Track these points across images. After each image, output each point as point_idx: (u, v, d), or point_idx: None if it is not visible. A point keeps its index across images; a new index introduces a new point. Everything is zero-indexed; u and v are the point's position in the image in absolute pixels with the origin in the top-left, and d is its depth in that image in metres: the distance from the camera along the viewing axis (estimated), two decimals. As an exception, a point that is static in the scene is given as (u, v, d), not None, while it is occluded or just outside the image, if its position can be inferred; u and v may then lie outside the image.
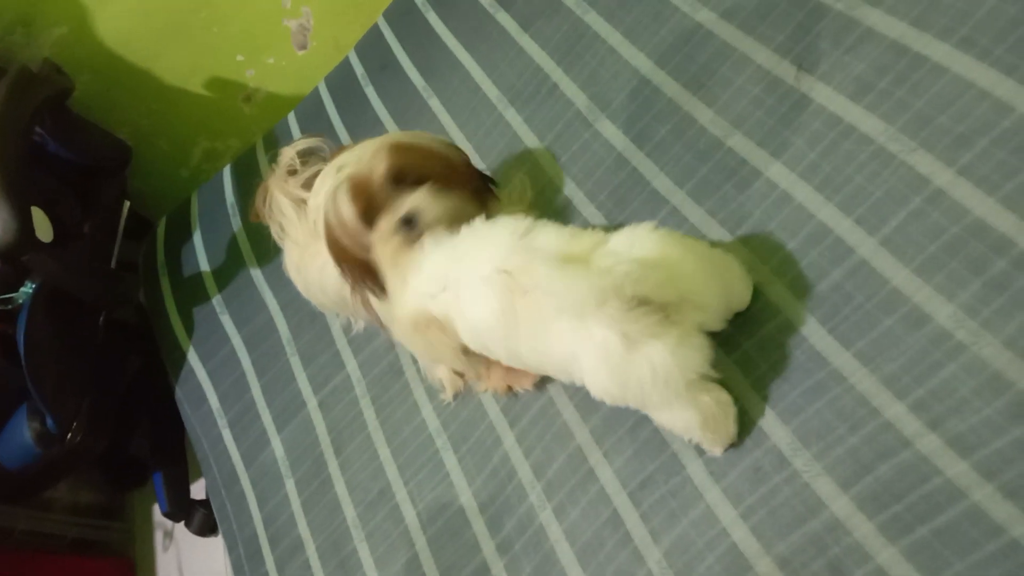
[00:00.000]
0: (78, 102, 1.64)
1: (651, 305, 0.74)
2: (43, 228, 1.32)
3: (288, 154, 1.27)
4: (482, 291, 0.80)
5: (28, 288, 1.42)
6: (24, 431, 1.40)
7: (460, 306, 0.84)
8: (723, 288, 0.85)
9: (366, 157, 0.94)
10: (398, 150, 0.94)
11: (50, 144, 1.52)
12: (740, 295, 0.87)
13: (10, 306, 1.41)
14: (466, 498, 1.07)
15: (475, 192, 1.01)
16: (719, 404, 0.83)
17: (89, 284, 1.48)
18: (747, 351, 0.87)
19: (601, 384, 0.81)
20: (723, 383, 0.87)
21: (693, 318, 0.78)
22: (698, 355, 0.77)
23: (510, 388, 1.06)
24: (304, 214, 1.15)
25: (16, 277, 1.40)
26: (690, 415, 0.81)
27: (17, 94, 1.32)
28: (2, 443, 1.45)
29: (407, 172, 0.93)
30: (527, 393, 1.05)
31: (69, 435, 1.42)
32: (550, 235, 0.82)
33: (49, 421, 1.39)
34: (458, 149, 1.05)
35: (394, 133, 1.05)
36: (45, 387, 1.37)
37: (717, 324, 0.83)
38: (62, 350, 1.44)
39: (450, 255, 0.86)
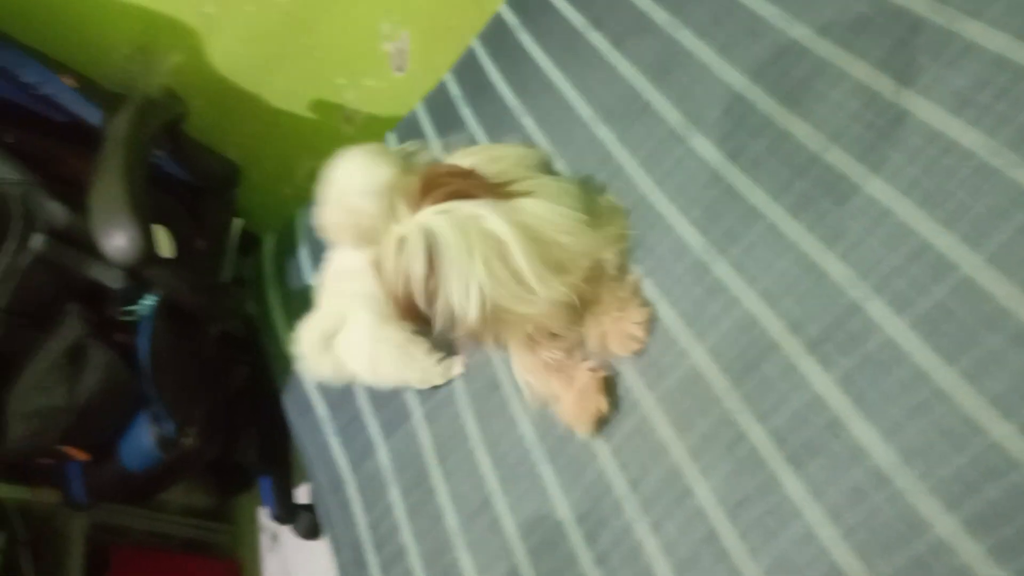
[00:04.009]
0: (192, 125, 1.74)
1: None
2: (164, 244, 1.40)
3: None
4: None
5: (148, 301, 1.51)
6: (145, 436, 1.49)
7: None
8: None
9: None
10: None
11: (168, 165, 1.62)
12: None
13: (132, 318, 1.51)
14: (563, 511, 1.09)
15: None
16: None
17: (203, 297, 1.56)
18: (847, 370, 0.87)
19: None
20: (820, 402, 0.87)
21: None
22: None
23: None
24: None
25: (138, 291, 1.49)
26: None
27: (140, 119, 1.41)
28: (125, 447, 1.54)
29: None
30: (619, 407, 1.07)
31: (186, 440, 1.51)
32: None
33: (168, 427, 1.48)
34: None
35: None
36: (165, 394, 1.46)
37: None
38: (180, 359, 1.52)
39: None
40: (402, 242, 0.96)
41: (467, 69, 1.60)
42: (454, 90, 1.59)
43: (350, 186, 1.17)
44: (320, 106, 1.95)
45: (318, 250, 1.65)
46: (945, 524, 0.76)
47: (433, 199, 0.97)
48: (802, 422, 0.89)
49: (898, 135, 0.91)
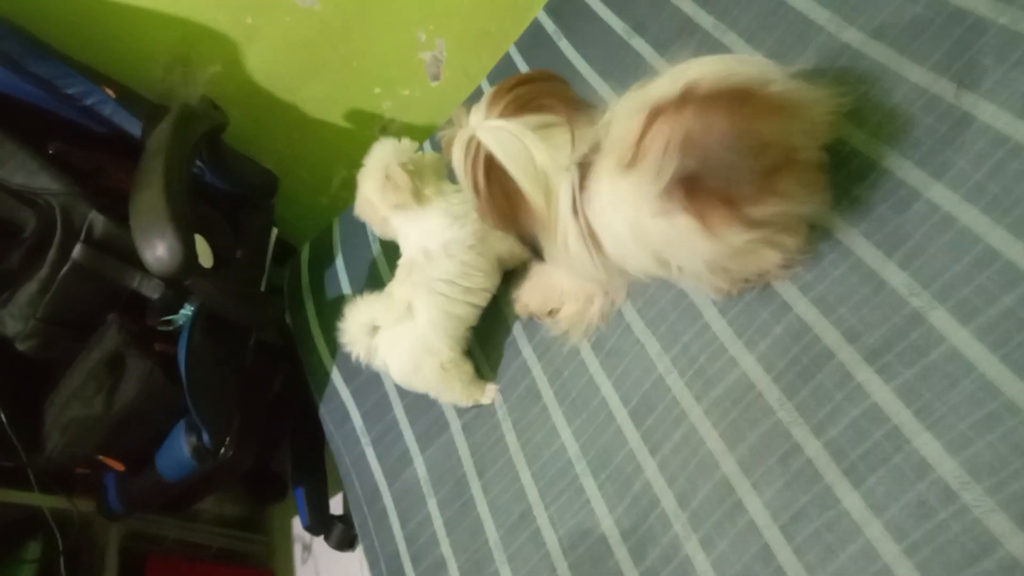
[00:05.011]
0: (229, 135, 1.74)
1: None
2: (204, 254, 1.40)
3: None
4: None
5: (187, 310, 1.51)
6: (182, 446, 1.48)
7: None
8: None
9: None
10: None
11: (207, 175, 1.62)
12: None
13: (171, 327, 1.51)
14: (607, 525, 1.06)
15: None
16: None
17: (241, 307, 1.56)
18: (908, 380, 0.84)
19: None
20: (879, 413, 0.84)
21: None
22: None
23: None
24: None
25: (177, 300, 1.49)
26: None
27: (180, 130, 1.41)
28: (162, 456, 1.54)
29: None
30: (666, 418, 1.05)
31: (222, 450, 1.50)
32: None
33: (205, 437, 1.47)
34: None
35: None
36: (203, 404, 1.45)
37: None
38: (218, 369, 1.52)
39: None
40: (462, 148, 0.99)
41: (504, 76, 1.59)
42: (492, 98, 1.58)
43: (377, 158, 1.26)
44: (356, 115, 1.95)
45: (354, 259, 1.65)
46: (1017, 541, 0.73)
47: (500, 108, 0.98)
48: (860, 434, 0.86)
49: (961, 139, 0.88)
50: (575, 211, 0.97)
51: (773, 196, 0.86)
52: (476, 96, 1.64)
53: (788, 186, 0.86)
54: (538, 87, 1.02)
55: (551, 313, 1.22)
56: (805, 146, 0.90)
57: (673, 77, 0.88)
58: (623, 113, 0.91)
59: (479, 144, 0.98)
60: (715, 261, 0.93)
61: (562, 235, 1.01)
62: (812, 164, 0.91)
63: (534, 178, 0.98)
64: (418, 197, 1.23)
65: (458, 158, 1.01)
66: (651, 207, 0.88)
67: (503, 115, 0.97)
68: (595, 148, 0.95)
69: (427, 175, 1.25)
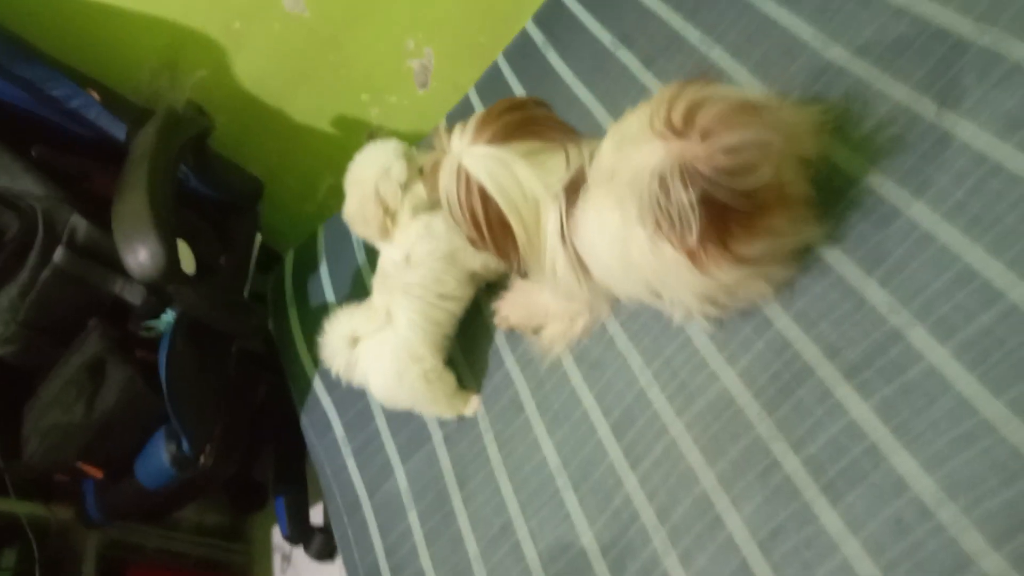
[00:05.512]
0: (215, 140, 1.74)
1: None
2: (187, 260, 1.39)
3: None
4: None
5: (168, 316, 1.50)
6: (162, 454, 1.47)
7: None
8: None
9: None
10: None
11: (192, 180, 1.61)
12: None
13: (152, 334, 1.50)
14: (587, 539, 1.06)
15: None
16: None
17: (224, 314, 1.55)
18: (887, 397, 0.84)
19: None
20: (857, 430, 0.84)
21: None
22: None
23: None
24: None
25: (158, 306, 1.48)
26: None
27: (166, 134, 1.41)
28: (142, 464, 1.53)
29: None
30: (647, 432, 1.05)
31: (202, 458, 1.49)
32: None
33: (185, 445, 1.46)
34: None
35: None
36: (183, 412, 1.44)
37: None
38: (199, 377, 1.51)
39: None
40: (452, 175, 0.98)
41: (491, 85, 1.60)
42: (477, 106, 1.58)
43: (363, 173, 1.26)
44: (343, 122, 1.95)
45: (339, 267, 1.64)
46: (991, 560, 0.73)
47: (489, 135, 0.97)
48: (839, 450, 0.86)
49: (942, 158, 0.88)
50: (563, 238, 0.97)
51: (763, 233, 0.86)
52: (464, 105, 1.65)
53: (778, 223, 0.87)
54: (527, 114, 1.01)
55: (535, 330, 1.21)
56: (794, 180, 0.90)
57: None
58: (611, 142, 0.91)
59: (468, 173, 0.97)
60: (704, 294, 0.93)
61: (550, 260, 1.01)
62: (801, 198, 0.91)
63: (521, 204, 0.98)
64: (384, 233, 1.25)
65: (448, 186, 1.00)
66: (639, 241, 0.87)
67: (491, 141, 0.96)
68: (582, 174, 0.95)
69: (407, 199, 1.25)
